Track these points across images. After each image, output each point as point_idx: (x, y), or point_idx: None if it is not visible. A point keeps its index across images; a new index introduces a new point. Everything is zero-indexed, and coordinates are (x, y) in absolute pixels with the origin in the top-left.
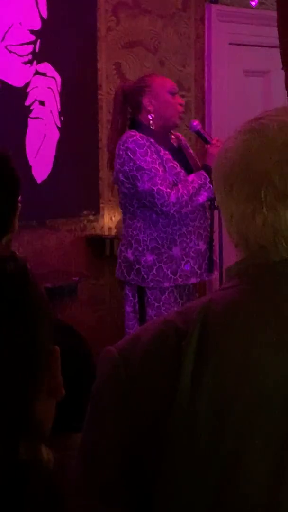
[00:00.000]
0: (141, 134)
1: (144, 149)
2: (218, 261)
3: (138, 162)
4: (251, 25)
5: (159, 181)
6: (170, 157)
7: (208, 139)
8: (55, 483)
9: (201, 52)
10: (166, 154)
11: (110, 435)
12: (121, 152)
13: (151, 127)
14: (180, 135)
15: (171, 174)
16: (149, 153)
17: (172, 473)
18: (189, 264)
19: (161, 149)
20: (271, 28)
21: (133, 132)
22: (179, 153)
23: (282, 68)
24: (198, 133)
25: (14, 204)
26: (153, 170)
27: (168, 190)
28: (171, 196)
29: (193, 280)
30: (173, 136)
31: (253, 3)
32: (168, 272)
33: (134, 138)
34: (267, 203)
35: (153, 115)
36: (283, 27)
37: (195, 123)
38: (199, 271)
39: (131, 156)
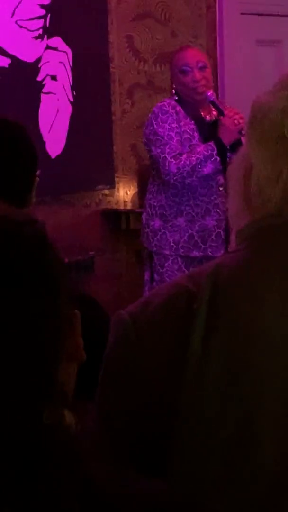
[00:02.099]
0: (169, 101)
1: (166, 116)
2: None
3: (156, 127)
4: None
5: (168, 150)
6: (193, 128)
7: (222, 110)
8: (77, 447)
9: (212, 23)
10: (188, 125)
11: (122, 398)
12: (149, 115)
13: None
14: (210, 92)
15: (185, 146)
16: (169, 121)
17: (184, 437)
18: (193, 236)
19: (187, 119)
20: None
21: (167, 98)
22: (209, 128)
23: None
24: (212, 103)
25: (32, 179)
26: (165, 137)
27: (172, 160)
28: (171, 166)
29: (195, 253)
30: (214, 112)
31: None
32: (171, 240)
33: (162, 104)
34: None
35: (173, 91)
36: None
37: (210, 92)
38: (203, 246)
39: (153, 120)
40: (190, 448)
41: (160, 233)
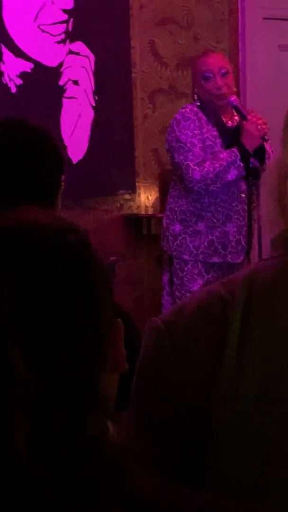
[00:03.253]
0: (192, 107)
1: (188, 122)
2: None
3: (178, 133)
4: None
5: (191, 157)
6: (215, 135)
7: (245, 115)
8: (122, 459)
9: (235, 28)
10: (210, 131)
11: (157, 406)
12: (171, 121)
13: (197, 104)
14: (233, 98)
15: (208, 152)
16: (191, 127)
17: (218, 445)
18: (213, 242)
19: (209, 125)
20: None
21: (189, 105)
22: (231, 134)
23: None
24: (235, 109)
25: (58, 183)
26: (188, 144)
27: (195, 167)
28: (195, 173)
29: (215, 259)
30: (236, 117)
31: None
32: (191, 245)
33: (184, 110)
34: None
35: (196, 97)
36: None
37: (233, 98)
38: (223, 252)
39: (175, 127)
40: (227, 455)
41: (180, 237)
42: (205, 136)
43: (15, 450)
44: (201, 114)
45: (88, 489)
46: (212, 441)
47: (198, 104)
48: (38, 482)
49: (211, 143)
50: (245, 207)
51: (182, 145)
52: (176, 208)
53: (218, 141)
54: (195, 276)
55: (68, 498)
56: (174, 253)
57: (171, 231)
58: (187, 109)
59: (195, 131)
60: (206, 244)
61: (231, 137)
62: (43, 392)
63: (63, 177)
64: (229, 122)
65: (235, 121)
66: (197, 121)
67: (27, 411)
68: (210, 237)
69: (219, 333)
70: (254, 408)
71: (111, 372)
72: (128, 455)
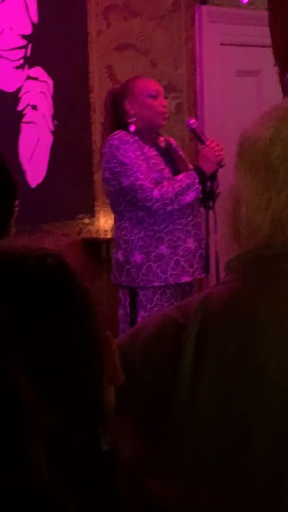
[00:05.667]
0: (125, 132)
1: (127, 145)
2: (209, 258)
3: (121, 157)
4: (242, 25)
5: (142, 176)
6: (156, 154)
7: (203, 140)
8: (136, 468)
9: (192, 53)
10: (150, 151)
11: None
12: (106, 150)
13: (131, 130)
14: (171, 139)
15: (155, 171)
16: (132, 149)
17: (173, 467)
18: (179, 262)
19: (146, 146)
20: (262, 27)
21: (118, 131)
22: (165, 154)
23: (275, 65)
24: (194, 132)
25: (10, 208)
26: (135, 165)
27: (151, 185)
28: (154, 192)
29: (185, 279)
30: (161, 138)
31: (244, 1)
32: (158, 271)
33: (118, 135)
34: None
35: (134, 118)
36: (275, 22)
37: (192, 121)
38: (191, 270)
39: (115, 153)
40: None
41: (145, 266)
42: (147, 155)
43: (37, 475)
44: (136, 138)
45: (112, 505)
46: (165, 465)
47: (133, 130)
48: (64, 505)
49: (156, 161)
50: (199, 220)
51: (129, 167)
52: (132, 238)
53: (160, 159)
54: (165, 305)
55: None
56: (141, 284)
57: (132, 263)
58: (122, 134)
59: (136, 152)
60: (173, 265)
61: (167, 158)
62: (54, 414)
63: (16, 202)
64: (161, 144)
65: (162, 142)
66: (135, 142)
67: (42, 436)
68: (175, 257)
69: (173, 357)
70: (207, 433)
71: (108, 386)
72: (139, 464)
